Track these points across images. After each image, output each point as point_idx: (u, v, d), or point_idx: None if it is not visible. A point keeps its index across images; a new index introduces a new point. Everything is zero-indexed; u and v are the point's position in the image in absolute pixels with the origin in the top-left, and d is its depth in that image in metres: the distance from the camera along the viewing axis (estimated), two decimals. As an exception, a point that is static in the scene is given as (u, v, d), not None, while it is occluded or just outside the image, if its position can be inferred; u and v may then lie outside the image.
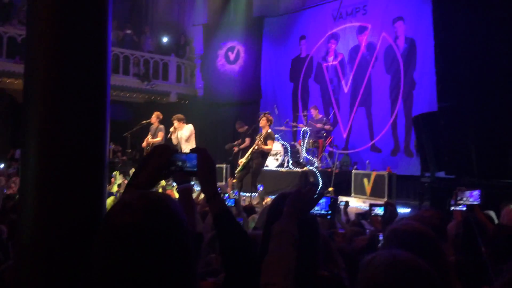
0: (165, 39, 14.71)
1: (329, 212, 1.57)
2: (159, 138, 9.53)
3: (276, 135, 9.32)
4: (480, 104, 5.51)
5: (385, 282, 1.05)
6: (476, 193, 2.74)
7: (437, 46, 6.00)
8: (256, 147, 8.02)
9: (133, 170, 9.65)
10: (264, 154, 8.20)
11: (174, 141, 9.37)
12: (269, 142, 8.05)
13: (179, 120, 9.01)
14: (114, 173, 8.12)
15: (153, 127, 9.69)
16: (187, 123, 9.04)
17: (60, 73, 1.24)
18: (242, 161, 8.23)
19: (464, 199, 2.74)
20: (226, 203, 3.98)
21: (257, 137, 8.25)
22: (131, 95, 13.50)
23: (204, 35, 14.49)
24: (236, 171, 8.44)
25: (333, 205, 1.58)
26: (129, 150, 11.45)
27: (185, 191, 1.52)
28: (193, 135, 9.07)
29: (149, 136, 9.57)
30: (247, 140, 11.11)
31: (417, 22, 9.83)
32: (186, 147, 8.88)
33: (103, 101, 1.31)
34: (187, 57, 14.66)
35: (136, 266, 0.97)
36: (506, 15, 5.27)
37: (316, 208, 1.54)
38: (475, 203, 2.73)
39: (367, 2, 11.09)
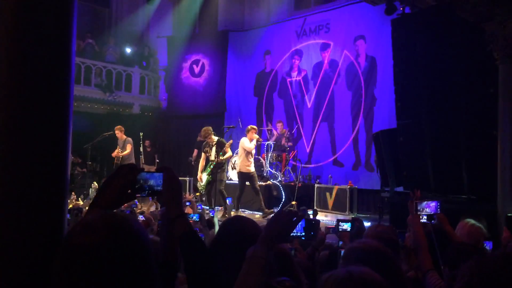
0: (128, 50, 14.51)
1: (303, 234, 1.56)
2: (128, 150, 9.58)
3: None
4: (436, 123, 5.73)
5: None
6: (433, 204, 2.66)
7: (396, 66, 6.22)
8: (217, 160, 8.05)
9: (94, 183, 9.50)
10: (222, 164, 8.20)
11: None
12: (225, 150, 8.07)
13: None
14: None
15: (120, 140, 9.76)
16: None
17: (21, 81, 1.21)
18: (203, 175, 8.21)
19: (421, 210, 2.65)
20: (191, 217, 3.94)
21: (214, 150, 8.22)
22: (93, 106, 13.19)
23: (169, 47, 14.42)
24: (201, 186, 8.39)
25: (308, 227, 1.56)
26: (90, 162, 11.18)
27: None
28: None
29: (118, 150, 9.65)
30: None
31: (377, 41, 10.14)
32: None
33: (66, 112, 1.28)
34: (151, 69, 14.52)
35: (96, 287, 0.96)
36: (459, 39, 5.55)
37: None
38: (432, 213, 2.66)
39: (330, 20, 11.37)
